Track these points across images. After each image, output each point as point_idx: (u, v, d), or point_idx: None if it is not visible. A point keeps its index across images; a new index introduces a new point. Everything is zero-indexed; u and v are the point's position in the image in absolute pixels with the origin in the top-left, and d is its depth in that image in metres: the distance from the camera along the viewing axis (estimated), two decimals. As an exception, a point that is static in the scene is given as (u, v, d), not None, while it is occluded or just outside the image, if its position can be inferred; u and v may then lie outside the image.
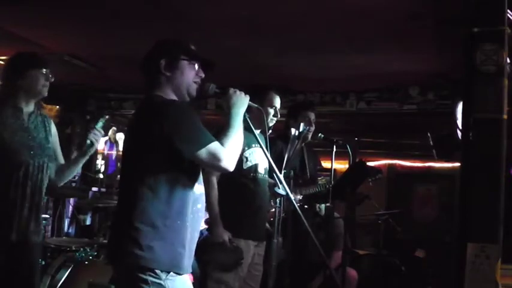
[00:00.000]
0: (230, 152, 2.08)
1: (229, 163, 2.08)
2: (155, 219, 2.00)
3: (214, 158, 2.03)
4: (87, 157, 2.79)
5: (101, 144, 7.70)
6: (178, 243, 2.05)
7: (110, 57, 5.09)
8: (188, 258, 2.11)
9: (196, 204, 2.16)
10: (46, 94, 2.74)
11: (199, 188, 2.19)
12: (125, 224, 2.03)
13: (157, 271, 1.98)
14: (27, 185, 2.64)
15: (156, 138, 2.00)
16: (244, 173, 3.24)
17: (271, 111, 3.36)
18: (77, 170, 2.86)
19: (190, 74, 2.19)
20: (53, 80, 2.73)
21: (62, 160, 2.85)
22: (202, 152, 2.01)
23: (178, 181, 2.06)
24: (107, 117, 2.79)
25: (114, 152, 7.95)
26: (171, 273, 2.02)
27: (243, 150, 3.19)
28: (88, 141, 2.68)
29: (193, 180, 2.13)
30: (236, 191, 3.22)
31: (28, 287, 2.70)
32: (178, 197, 2.05)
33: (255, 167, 3.29)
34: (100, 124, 2.71)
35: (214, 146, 2.04)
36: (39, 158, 2.69)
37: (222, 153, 2.04)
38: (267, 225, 3.39)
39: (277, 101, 3.42)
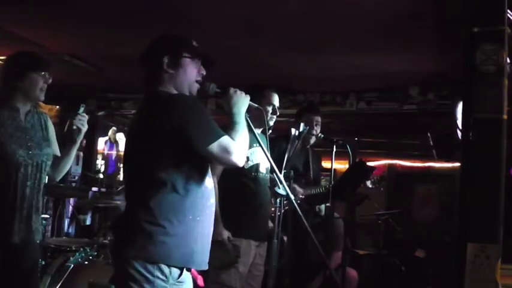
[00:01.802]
0: (240, 146, 2.08)
1: (239, 157, 2.07)
2: (169, 213, 1.99)
3: (226, 151, 2.02)
4: (77, 145, 2.79)
5: (101, 144, 7.71)
6: (190, 239, 2.03)
7: (110, 57, 5.09)
8: (201, 253, 2.09)
9: (209, 199, 2.14)
10: (43, 98, 2.73)
11: (210, 182, 2.17)
12: (138, 218, 1.99)
13: (167, 272, 1.96)
14: (27, 185, 2.63)
15: (167, 132, 1.98)
16: (245, 172, 3.24)
17: (269, 109, 3.36)
18: (71, 161, 2.86)
19: (193, 72, 2.18)
20: (50, 81, 2.72)
21: (58, 153, 2.84)
22: (214, 146, 2.00)
23: (191, 175, 2.04)
24: (84, 105, 2.81)
25: (114, 152, 7.95)
26: (181, 277, 2.01)
27: (244, 150, 3.19)
28: (74, 127, 2.68)
29: (204, 174, 2.11)
30: (237, 190, 3.22)
31: (28, 287, 2.71)
32: (192, 191, 2.04)
33: (257, 166, 3.29)
34: (81, 109, 2.72)
35: (226, 139, 2.03)
36: (38, 158, 2.68)
37: (233, 147, 2.04)
38: (270, 223, 3.38)
39: (275, 99, 3.43)
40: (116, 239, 2.21)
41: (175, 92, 2.14)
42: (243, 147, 2.10)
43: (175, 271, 1.99)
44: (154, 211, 1.98)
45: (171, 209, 1.99)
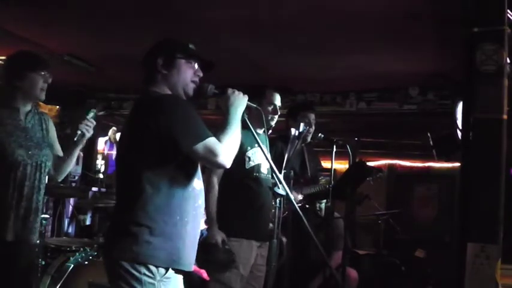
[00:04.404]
0: (227, 148, 2.07)
1: (226, 159, 2.07)
2: (154, 214, 2.01)
3: (211, 153, 2.02)
4: (80, 147, 2.81)
5: (101, 144, 7.71)
6: (177, 239, 2.05)
7: (110, 57, 5.09)
8: (188, 254, 2.11)
9: (197, 200, 2.16)
10: (43, 98, 2.74)
11: (199, 184, 2.18)
12: (124, 219, 2.03)
13: (154, 270, 1.98)
14: (25, 185, 2.64)
15: (154, 132, 2.00)
16: (246, 173, 3.24)
17: (270, 108, 3.36)
18: (73, 162, 2.87)
19: (188, 73, 2.19)
20: (50, 81, 2.73)
21: (60, 153, 2.85)
22: (199, 147, 2.00)
23: (178, 176, 2.06)
24: (95, 109, 2.81)
25: (114, 152, 7.94)
26: (167, 274, 2.02)
27: (246, 150, 3.19)
28: (79, 132, 2.69)
29: (192, 175, 2.12)
30: (238, 191, 3.22)
31: (26, 287, 2.71)
32: (178, 192, 2.06)
33: (258, 167, 3.29)
34: (91, 114, 2.73)
35: (212, 141, 2.03)
36: (37, 158, 2.69)
37: (219, 148, 2.04)
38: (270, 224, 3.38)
39: (276, 98, 3.42)
40: (105, 241, 2.26)
41: (168, 92, 2.16)
42: (230, 149, 2.09)
43: (162, 269, 2.02)
44: (140, 212, 2.00)
45: (157, 209, 2.01)
